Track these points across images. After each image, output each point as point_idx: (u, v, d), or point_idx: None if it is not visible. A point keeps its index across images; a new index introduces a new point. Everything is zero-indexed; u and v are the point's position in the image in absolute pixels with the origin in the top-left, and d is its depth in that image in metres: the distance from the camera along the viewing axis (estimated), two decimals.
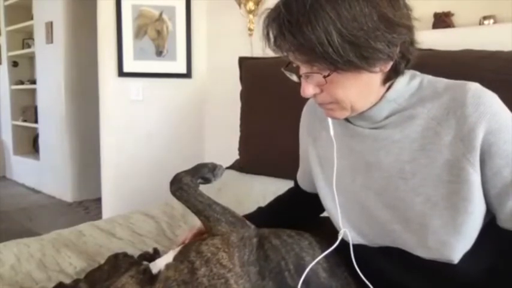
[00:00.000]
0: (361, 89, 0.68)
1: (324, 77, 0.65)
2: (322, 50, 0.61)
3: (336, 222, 0.80)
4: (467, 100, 0.66)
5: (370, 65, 0.64)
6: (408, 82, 0.73)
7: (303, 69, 0.68)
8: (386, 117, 0.73)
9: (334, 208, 0.80)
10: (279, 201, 1.06)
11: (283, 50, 0.67)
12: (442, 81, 0.72)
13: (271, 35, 0.67)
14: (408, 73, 0.74)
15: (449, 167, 0.67)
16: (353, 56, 0.61)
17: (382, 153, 0.73)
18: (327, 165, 0.82)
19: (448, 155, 0.67)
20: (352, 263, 0.75)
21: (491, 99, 0.66)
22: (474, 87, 0.67)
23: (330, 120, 0.80)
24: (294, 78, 0.71)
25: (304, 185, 0.98)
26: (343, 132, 0.80)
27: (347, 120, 0.79)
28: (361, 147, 0.76)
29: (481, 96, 0.66)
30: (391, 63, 0.67)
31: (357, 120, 0.77)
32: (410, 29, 0.66)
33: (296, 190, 1.02)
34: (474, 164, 0.65)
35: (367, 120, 0.75)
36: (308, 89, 0.69)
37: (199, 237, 0.89)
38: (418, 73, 0.75)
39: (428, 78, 0.74)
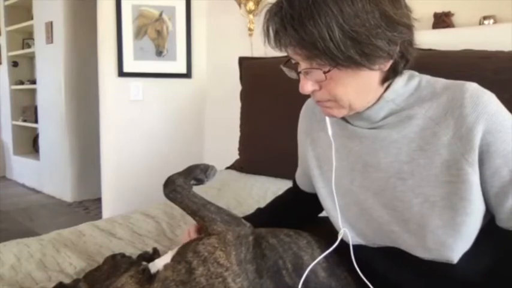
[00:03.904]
0: (359, 87, 0.68)
1: (324, 72, 0.65)
2: (324, 45, 0.61)
3: (336, 223, 0.80)
4: (465, 100, 0.66)
5: (371, 62, 0.64)
6: (406, 82, 0.73)
7: (303, 65, 0.68)
8: (384, 118, 0.73)
9: (333, 209, 0.80)
10: (277, 201, 1.06)
11: (283, 45, 0.67)
12: (441, 82, 0.72)
13: (271, 30, 0.67)
14: (406, 73, 0.74)
15: (448, 167, 0.67)
16: (354, 53, 0.62)
17: (380, 154, 0.73)
18: (326, 166, 0.82)
19: (446, 155, 0.67)
20: (352, 263, 0.75)
21: (489, 99, 0.66)
22: (472, 87, 0.67)
23: (328, 120, 0.80)
24: (293, 75, 0.71)
25: (303, 185, 0.98)
26: (341, 132, 0.80)
27: (345, 120, 0.79)
28: (360, 148, 0.76)
29: (479, 96, 0.66)
30: (390, 62, 0.67)
31: (355, 120, 0.77)
32: (410, 28, 0.67)
33: (295, 190, 1.02)
34: (473, 164, 0.65)
35: (365, 120, 0.75)
36: (307, 86, 0.69)
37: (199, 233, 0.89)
38: (416, 73, 0.75)
39: (426, 78, 0.74)
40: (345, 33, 0.60)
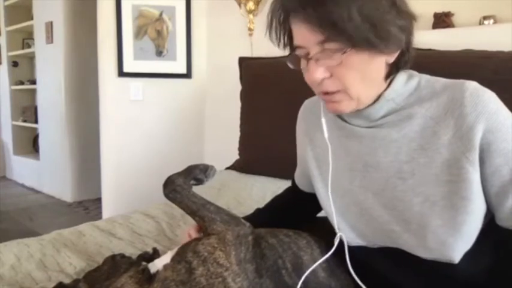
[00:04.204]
0: (369, 76, 0.68)
1: (343, 53, 0.64)
2: (343, 26, 0.62)
3: (334, 224, 0.80)
4: (465, 99, 0.66)
5: (385, 45, 0.65)
6: (406, 82, 0.73)
7: (315, 49, 0.66)
8: (383, 116, 0.73)
9: (331, 210, 0.79)
10: (277, 201, 1.06)
11: (300, 23, 0.66)
12: (440, 81, 0.72)
13: (282, 14, 0.68)
14: (406, 73, 0.74)
15: (448, 166, 0.67)
16: (371, 35, 0.63)
17: (380, 153, 0.73)
18: (325, 167, 0.82)
19: (446, 155, 0.67)
20: (350, 264, 0.75)
21: (490, 98, 0.66)
22: (472, 86, 0.67)
23: (324, 122, 0.80)
24: (303, 63, 0.70)
25: (302, 185, 0.98)
26: (339, 132, 0.80)
27: (343, 120, 0.79)
28: (359, 148, 0.76)
29: (479, 95, 0.66)
30: (397, 52, 0.68)
31: (353, 119, 0.77)
32: (412, 20, 0.68)
33: (294, 190, 1.02)
34: (473, 162, 0.65)
35: (364, 118, 0.75)
36: (317, 72, 0.67)
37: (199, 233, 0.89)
38: (416, 73, 0.75)
39: (426, 78, 0.74)
40: (362, 15, 0.62)
